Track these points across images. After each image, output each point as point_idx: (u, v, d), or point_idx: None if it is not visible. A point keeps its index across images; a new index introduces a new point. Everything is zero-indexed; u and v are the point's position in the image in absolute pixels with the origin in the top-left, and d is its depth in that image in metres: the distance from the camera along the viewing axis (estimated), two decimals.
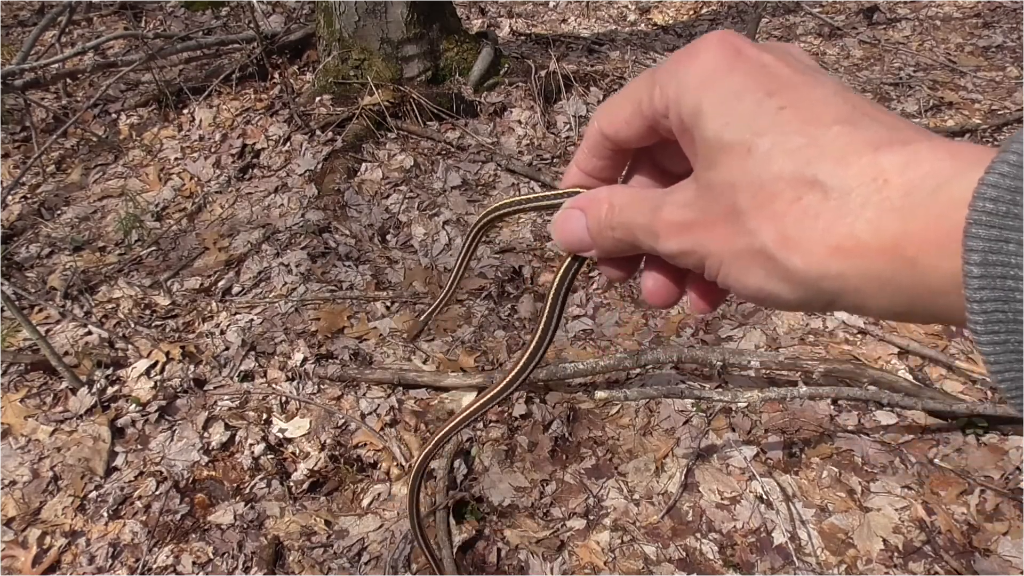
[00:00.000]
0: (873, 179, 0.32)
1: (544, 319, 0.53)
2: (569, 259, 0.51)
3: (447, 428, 0.63)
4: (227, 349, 2.51)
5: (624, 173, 0.49)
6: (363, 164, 3.41)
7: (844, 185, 0.32)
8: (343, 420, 2.29)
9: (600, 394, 2.18)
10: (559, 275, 0.52)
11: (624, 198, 0.43)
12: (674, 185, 0.40)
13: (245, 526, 2.03)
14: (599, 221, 0.43)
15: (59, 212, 3.27)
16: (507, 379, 0.57)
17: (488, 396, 0.58)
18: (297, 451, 2.22)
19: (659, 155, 0.47)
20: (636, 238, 0.41)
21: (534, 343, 0.54)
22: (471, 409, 0.60)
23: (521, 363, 0.55)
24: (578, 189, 0.48)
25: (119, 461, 2.18)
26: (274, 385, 2.40)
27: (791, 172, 0.33)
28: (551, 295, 0.53)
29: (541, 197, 0.52)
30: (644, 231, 0.40)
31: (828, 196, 0.33)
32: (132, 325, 2.60)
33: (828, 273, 0.33)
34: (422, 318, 0.80)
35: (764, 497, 2.03)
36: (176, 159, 3.56)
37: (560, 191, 0.50)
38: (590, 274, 2.90)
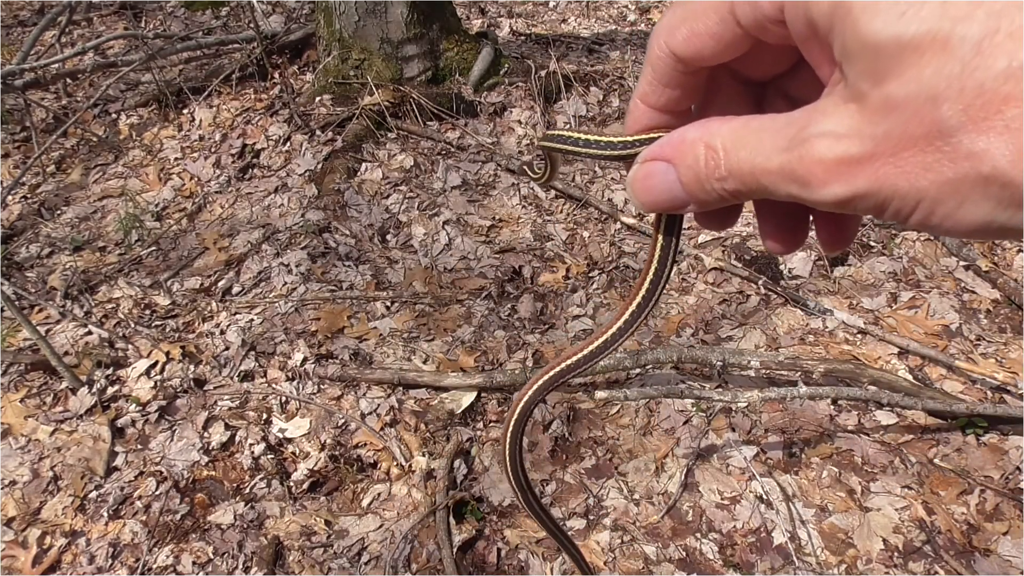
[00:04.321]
0: None
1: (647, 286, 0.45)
2: (664, 223, 0.42)
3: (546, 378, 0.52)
4: (227, 349, 2.51)
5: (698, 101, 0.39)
6: (363, 164, 3.41)
7: None
8: (343, 420, 2.29)
9: (600, 394, 2.18)
10: (658, 247, 0.43)
11: (733, 136, 0.33)
12: (809, 108, 0.31)
13: (245, 526, 2.03)
14: (697, 172, 0.34)
15: (59, 212, 3.27)
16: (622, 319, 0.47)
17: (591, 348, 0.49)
18: (297, 451, 2.22)
19: (745, 67, 0.37)
20: (763, 186, 0.32)
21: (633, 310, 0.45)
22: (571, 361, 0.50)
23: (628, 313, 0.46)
24: (653, 135, 0.38)
25: (119, 461, 2.18)
26: (274, 385, 2.40)
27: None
28: (653, 269, 0.44)
29: (605, 144, 0.42)
30: (781, 176, 0.31)
31: None
32: (132, 325, 2.60)
33: None
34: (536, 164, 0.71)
35: (764, 497, 2.03)
36: (176, 159, 3.55)
37: (629, 138, 0.40)
38: (589, 274, 2.90)
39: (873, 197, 0.29)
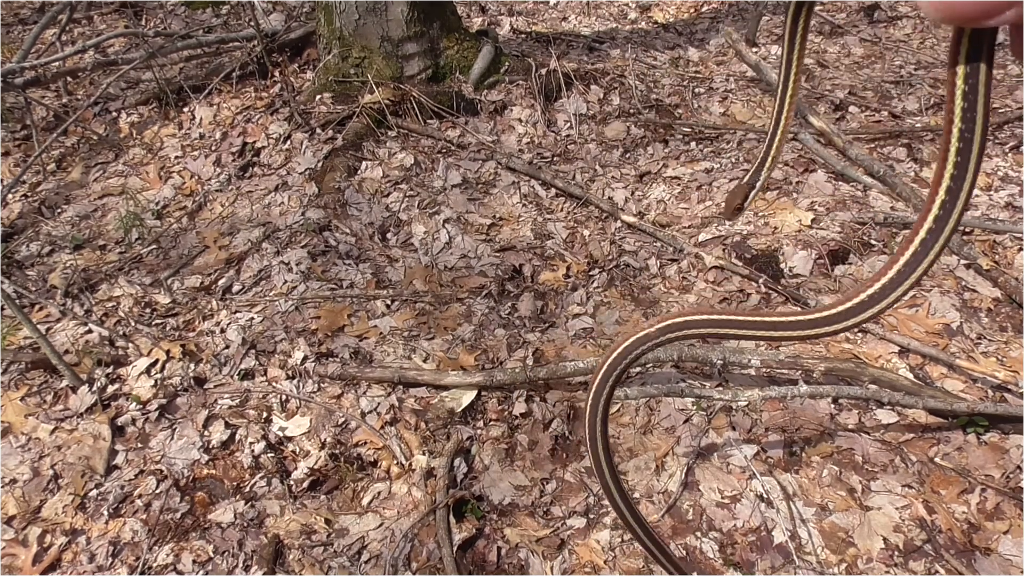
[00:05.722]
0: None
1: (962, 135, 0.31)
2: (966, 50, 0.32)
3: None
4: (227, 347, 2.51)
5: None
6: (363, 162, 3.40)
7: None
8: (343, 419, 2.29)
9: None
10: (958, 86, 0.31)
11: None
12: None
13: (245, 525, 2.03)
14: None
15: (60, 210, 3.27)
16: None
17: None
18: (297, 449, 2.22)
19: None
20: None
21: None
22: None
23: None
24: None
25: (119, 459, 2.18)
26: (274, 383, 2.40)
27: None
28: (958, 117, 0.31)
29: None
30: None
31: None
32: (132, 323, 2.60)
33: None
34: (744, 182, 0.54)
35: (764, 496, 2.03)
36: (176, 157, 3.55)
37: None
38: (589, 272, 2.89)
39: None
